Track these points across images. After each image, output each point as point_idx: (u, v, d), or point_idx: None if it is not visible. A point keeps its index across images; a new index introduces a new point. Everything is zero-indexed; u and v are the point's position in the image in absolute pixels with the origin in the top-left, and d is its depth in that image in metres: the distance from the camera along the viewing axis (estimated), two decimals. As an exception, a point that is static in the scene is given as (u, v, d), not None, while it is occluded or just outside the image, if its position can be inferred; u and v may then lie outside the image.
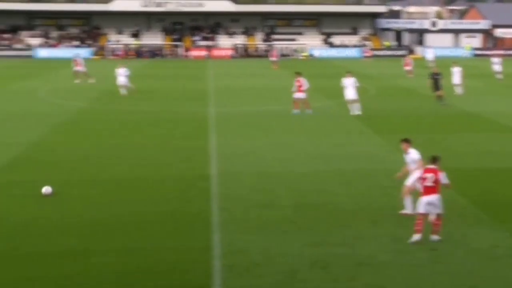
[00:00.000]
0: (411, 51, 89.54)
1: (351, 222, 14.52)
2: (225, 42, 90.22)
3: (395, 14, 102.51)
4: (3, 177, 18.61)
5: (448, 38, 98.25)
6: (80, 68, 49.05)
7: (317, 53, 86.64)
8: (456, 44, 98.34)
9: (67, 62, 64.08)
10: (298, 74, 32.12)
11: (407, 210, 14.86)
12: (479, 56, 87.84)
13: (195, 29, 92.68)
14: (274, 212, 15.24)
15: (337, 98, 35.81)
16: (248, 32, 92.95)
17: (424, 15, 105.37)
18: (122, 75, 39.80)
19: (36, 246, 12.86)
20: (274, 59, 65.08)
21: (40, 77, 52.86)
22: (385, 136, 25.02)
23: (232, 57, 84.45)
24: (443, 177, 13.37)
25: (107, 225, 14.20)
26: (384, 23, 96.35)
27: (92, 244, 12.98)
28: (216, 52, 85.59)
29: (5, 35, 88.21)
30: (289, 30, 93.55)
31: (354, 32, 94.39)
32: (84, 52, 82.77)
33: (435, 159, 13.59)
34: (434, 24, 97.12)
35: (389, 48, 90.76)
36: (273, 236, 13.58)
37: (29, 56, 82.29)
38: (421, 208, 13.29)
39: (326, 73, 52.97)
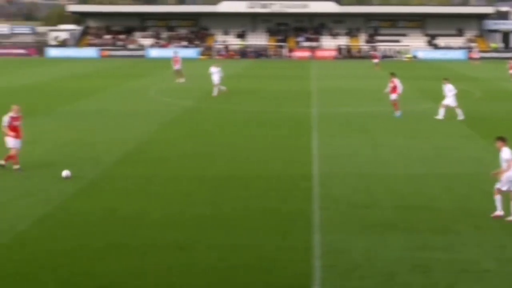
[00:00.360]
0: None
1: (453, 227, 14.07)
2: (329, 43, 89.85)
3: (503, 15, 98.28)
4: (114, 171, 19.29)
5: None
6: (178, 66, 48.53)
7: (421, 54, 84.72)
8: None
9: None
10: (393, 75, 31.54)
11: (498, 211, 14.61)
12: None
13: (299, 30, 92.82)
14: (374, 214, 15.00)
15: (441, 100, 34.82)
16: (351, 33, 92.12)
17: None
18: (215, 73, 39.06)
19: (143, 239, 13.23)
20: (376, 60, 64.14)
21: (151, 76, 54.45)
22: (490, 139, 24.07)
23: (335, 58, 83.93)
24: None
25: (210, 221, 14.42)
26: (491, 24, 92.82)
27: (196, 239, 13.22)
28: (319, 53, 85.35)
29: (120, 36, 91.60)
30: (392, 31, 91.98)
31: (459, 33, 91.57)
32: (191, 52, 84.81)
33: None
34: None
35: (496, 50, 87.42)
36: (373, 237, 13.37)
37: (142, 56, 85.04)
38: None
39: (430, 75, 51.68)
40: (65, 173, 18.18)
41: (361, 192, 16.88)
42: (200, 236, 13.41)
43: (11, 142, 19.07)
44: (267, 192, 16.87)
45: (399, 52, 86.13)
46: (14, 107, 19.44)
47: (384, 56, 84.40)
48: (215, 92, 39.09)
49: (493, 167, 19.51)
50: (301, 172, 19.13)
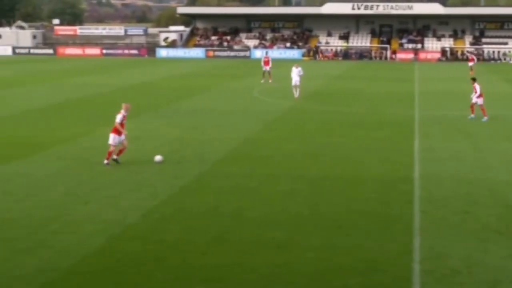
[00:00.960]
0: None
1: (561, 237, 13.33)
2: (433, 45, 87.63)
3: None
4: (218, 168, 19.61)
5: None
6: (268, 67, 48.84)
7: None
8: None
9: (279, 62, 66.23)
10: (474, 80, 30.60)
11: None
12: None
13: (402, 32, 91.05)
14: (476, 219, 14.47)
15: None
16: (456, 35, 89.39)
17: None
18: (296, 74, 37.52)
19: (243, 236, 13.36)
20: (471, 63, 58.64)
21: (255, 76, 55.00)
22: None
23: (439, 60, 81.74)
24: None
25: (309, 221, 14.37)
26: None
27: (294, 238, 13.20)
28: (423, 55, 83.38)
29: (226, 37, 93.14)
30: (500, 33, 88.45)
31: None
32: (295, 53, 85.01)
33: None
34: None
35: None
36: (474, 244, 12.88)
37: (246, 57, 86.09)
38: None
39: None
40: (158, 158, 19.48)
41: (463, 197, 16.33)
42: (298, 235, 13.39)
43: (115, 139, 19.57)
44: (367, 194, 16.63)
45: (504, 54, 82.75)
46: (125, 105, 20.08)
47: (491, 59, 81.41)
48: (296, 93, 37.47)
49: None
50: (402, 174, 18.75)
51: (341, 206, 15.54)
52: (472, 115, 29.87)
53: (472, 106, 30.00)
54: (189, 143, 23.44)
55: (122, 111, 19.79)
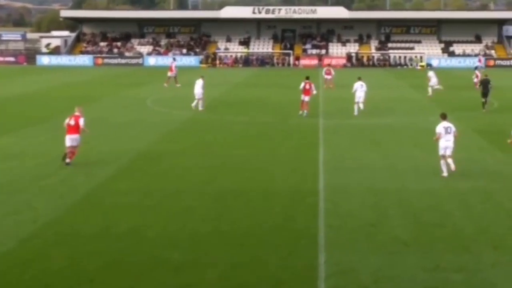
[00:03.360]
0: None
1: (470, 247, 14.01)
2: (337, 50, 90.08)
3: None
4: (109, 186, 19.31)
5: None
6: (171, 73, 53.24)
7: (435, 62, 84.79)
8: None
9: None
10: (307, 78, 35.34)
11: None
12: None
13: (306, 37, 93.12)
14: (384, 232, 14.98)
15: (456, 111, 34.91)
16: (362, 40, 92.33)
17: None
18: (200, 87, 37.22)
19: (139, 257, 13.23)
20: (328, 77, 54.16)
21: (149, 85, 54.62)
22: (508, 152, 24.09)
23: (345, 66, 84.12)
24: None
25: (210, 238, 14.41)
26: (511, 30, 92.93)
27: (195, 257, 13.18)
28: (327, 61, 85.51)
29: (117, 43, 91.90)
30: (406, 37, 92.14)
31: (477, 40, 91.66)
32: (192, 60, 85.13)
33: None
34: None
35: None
36: (383, 257, 13.33)
37: (140, 64, 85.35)
38: None
39: (445, 85, 51.65)
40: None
41: (371, 208, 16.87)
42: (198, 254, 13.40)
43: (75, 138, 22.14)
44: (271, 208, 16.87)
45: (411, 59, 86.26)
46: (78, 108, 22.46)
47: (397, 64, 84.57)
48: (199, 105, 37.26)
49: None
50: (308, 186, 19.15)
51: (245, 222, 15.68)
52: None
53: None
54: (77, 158, 22.96)
55: (77, 113, 22.11)
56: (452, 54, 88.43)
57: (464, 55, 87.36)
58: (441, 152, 20.91)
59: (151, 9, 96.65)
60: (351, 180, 20.05)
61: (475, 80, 49.67)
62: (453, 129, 21.11)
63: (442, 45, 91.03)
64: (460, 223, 15.68)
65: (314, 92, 35.32)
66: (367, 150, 25.10)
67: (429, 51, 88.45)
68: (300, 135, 28.74)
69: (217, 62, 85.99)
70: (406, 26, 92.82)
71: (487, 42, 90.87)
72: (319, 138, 28.03)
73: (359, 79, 38.47)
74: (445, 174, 20.75)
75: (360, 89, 37.99)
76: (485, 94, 37.86)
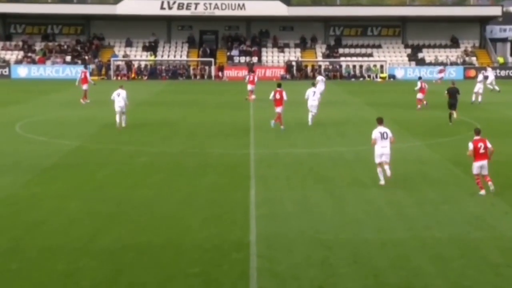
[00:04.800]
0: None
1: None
2: (273, 58, 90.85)
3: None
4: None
5: None
6: (85, 85, 55.65)
7: (400, 73, 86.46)
8: None
9: (55, 84, 65.33)
10: (279, 86, 39.44)
11: None
12: None
13: (232, 41, 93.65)
14: (335, 297, 15.06)
15: (428, 137, 35.61)
16: (305, 45, 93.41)
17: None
18: (122, 97, 40.50)
19: None
20: (251, 86, 59.15)
21: (19, 104, 53.81)
22: (497, 191, 24.67)
23: (283, 78, 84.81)
24: (489, 144, 24.05)
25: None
26: (498, 31, 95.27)
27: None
28: (260, 72, 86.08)
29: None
30: (361, 41, 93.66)
31: (454, 44, 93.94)
32: (79, 71, 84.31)
33: (478, 130, 24.50)
34: None
35: (503, 65, 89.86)
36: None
37: (5, 76, 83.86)
38: (476, 171, 24.09)
39: (411, 102, 52.73)
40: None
41: (317, 265, 16.92)
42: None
43: None
44: (186, 268, 16.73)
45: (369, 69, 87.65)
46: None
47: (351, 76, 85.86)
48: (122, 121, 40.50)
49: (501, 229, 20.00)
50: (235, 237, 19.10)
51: (148, 288, 15.55)
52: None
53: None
54: None
55: None
56: (421, 62, 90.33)
57: (437, 63, 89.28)
58: (377, 160, 25.37)
59: (19, 2, 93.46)
60: (291, 228, 20.09)
61: (419, 95, 51.52)
62: (389, 134, 25.45)
63: (409, 50, 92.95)
64: (434, 285, 15.86)
65: (285, 98, 39.73)
66: (312, 188, 25.26)
67: (391, 59, 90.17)
68: (225, 169, 28.73)
69: (113, 73, 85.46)
70: (361, 26, 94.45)
71: (466, 46, 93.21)
72: (249, 172, 28.07)
73: (313, 85, 39.55)
74: (382, 182, 25.11)
75: (312, 97, 38.87)
76: (452, 105, 41.01)
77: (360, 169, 28.89)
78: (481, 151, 24.01)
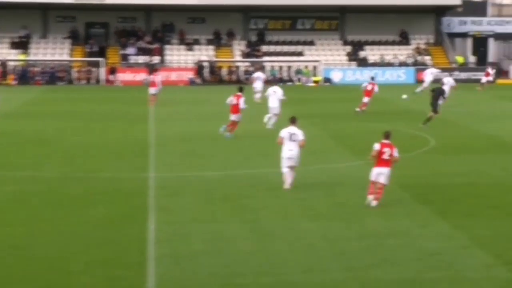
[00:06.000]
0: (501, 73, 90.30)
1: None
2: (180, 58, 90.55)
3: (476, 10, 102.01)
4: None
5: None
6: None
7: (337, 76, 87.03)
8: None
9: None
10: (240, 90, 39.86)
11: None
12: None
13: (127, 35, 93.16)
14: None
15: (365, 155, 35.96)
16: (219, 41, 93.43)
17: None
18: None
19: None
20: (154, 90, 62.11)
21: None
22: (450, 218, 25.00)
23: (192, 83, 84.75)
24: (395, 152, 26.44)
25: None
26: (457, 24, 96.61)
27: None
28: (163, 75, 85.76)
29: None
30: (290, 37, 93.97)
31: (403, 40, 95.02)
32: None
33: (388, 134, 26.70)
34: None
35: (463, 66, 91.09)
36: None
37: None
38: (373, 177, 26.29)
39: (350, 113, 53.39)
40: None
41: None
42: None
43: None
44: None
45: (299, 72, 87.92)
46: None
47: (277, 80, 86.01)
48: None
49: (458, 266, 20.25)
50: (126, 285, 19.00)
51: None
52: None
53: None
54: None
55: None
56: (363, 63, 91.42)
57: (383, 64, 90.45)
58: (284, 164, 28.66)
59: None
60: (200, 271, 20.05)
61: (365, 98, 53.94)
62: (300, 137, 28.37)
63: (348, 48, 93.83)
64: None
65: (243, 106, 42.81)
66: (227, 221, 25.28)
67: (327, 58, 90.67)
68: (116, 198, 28.56)
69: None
70: (290, 18, 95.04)
71: (419, 43, 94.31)
72: (147, 202, 27.89)
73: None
74: (287, 186, 28.39)
75: (273, 96, 39.95)
76: (434, 106, 45.31)
77: (288, 195, 28.95)
78: (385, 157, 26.31)
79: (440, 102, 47.24)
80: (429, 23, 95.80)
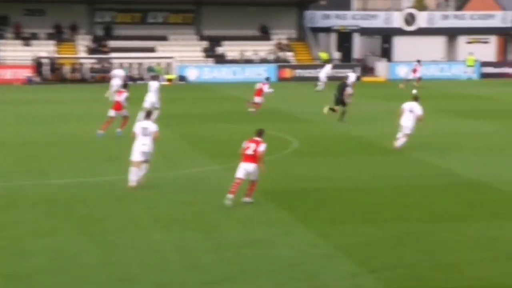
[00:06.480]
0: (366, 69, 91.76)
1: None
2: (15, 54, 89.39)
3: (340, 3, 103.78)
4: None
5: (436, 44, 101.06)
6: None
7: (193, 74, 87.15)
8: (451, 56, 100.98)
9: None
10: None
11: None
12: (491, 77, 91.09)
13: None
14: None
15: (231, 159, 36.08)
16: (60, 35, 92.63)
17: (394, 5, 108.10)
18: None
19: None
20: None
21: None
22: (314, 225, 25.19)
23: (30, 81, 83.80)
24: (261, 147, 27.53)
25: None
26: (320, 18, 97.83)
27: None
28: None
29: None
30: (140, 31, 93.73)
31: (264, 35, 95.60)
32: None
33: (260, 132, 28.01)
34: (409, 19, 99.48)
35: (327, 62, 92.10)
36: None
37: None
38: (239, 173, 27.67)
39: (209, 114, 53.57)
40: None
41: None
42: None
43: None
44: None
45: (151, 69, 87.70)
46: None
47: (132, 79, 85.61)
48: None
49: (323, 277, 20.41)
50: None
51: None
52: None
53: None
54: None
55: None
56: (221, 60, 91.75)
57: (243, 61, 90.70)
58: (134, 158, 30.20)
59: None
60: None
61: (257, 98, 55.03)
62: (152, 129, 30.35)
63: (205, 43, 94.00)
64: None
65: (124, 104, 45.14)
66: (69, 235, 24.98)
67: (182, 54, 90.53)
68: None
69: None
70: (140, 11, 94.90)
71: (280, 38, 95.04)
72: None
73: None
74: (133, 183, 30.02)
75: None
76: (339, 101, 50.15)
77: (137, 204, 28.84)
78: (249, 152, 27.73)
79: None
80: (291, 17, 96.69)
